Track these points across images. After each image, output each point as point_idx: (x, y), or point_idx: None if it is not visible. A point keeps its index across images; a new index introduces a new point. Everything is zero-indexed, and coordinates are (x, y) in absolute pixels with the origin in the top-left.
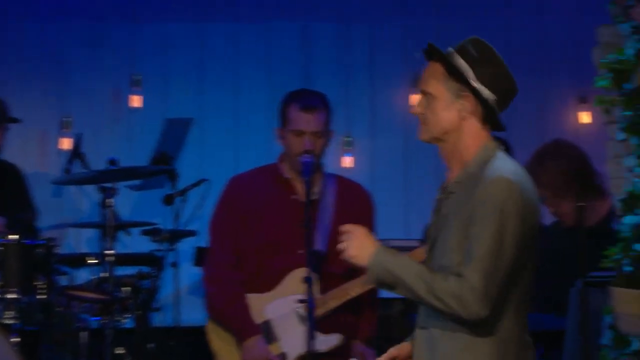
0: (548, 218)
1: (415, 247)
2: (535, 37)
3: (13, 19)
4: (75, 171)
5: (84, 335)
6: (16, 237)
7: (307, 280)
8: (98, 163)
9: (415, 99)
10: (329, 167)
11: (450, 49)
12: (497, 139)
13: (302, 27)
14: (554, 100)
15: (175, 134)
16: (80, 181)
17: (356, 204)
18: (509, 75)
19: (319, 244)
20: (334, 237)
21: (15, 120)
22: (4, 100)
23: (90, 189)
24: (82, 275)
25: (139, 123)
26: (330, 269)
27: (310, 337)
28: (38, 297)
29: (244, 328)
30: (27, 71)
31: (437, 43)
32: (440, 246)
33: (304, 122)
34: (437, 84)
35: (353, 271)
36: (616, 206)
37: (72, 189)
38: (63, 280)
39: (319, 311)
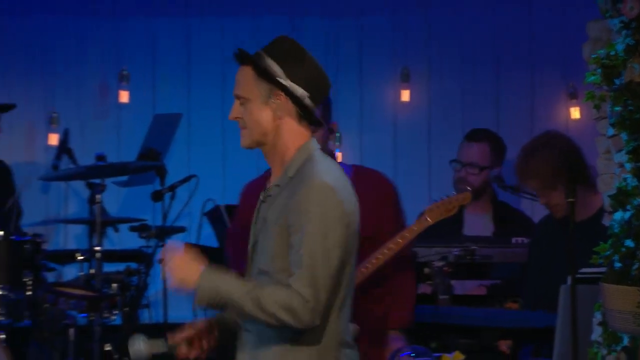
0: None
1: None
2: (525, 32)
3: (0, 13)
4: (63, 167)
5: (72, 332)
6: (2, 233)
7: None
8: (86, 159)
9: (404, 94)
10: None
11: (260, 51)
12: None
13: (290, 22)
14: (544, 96)
15: (163, 129)
16: (68, 177)
17: (373, 192)
18: (319, 70)
19: None
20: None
21: (8, 107)
22: None
23: (78, 185)
24: (70, 272)
25: (127, 119)
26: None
27: None
28: (26, 293)
29: None
30: (14, 66)
31: (427, 38)
32: (260, 251)
33: None
34: (249, 86)
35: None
36: (606, 202)
37: (60, 184)
38: (51, 277)
39: None
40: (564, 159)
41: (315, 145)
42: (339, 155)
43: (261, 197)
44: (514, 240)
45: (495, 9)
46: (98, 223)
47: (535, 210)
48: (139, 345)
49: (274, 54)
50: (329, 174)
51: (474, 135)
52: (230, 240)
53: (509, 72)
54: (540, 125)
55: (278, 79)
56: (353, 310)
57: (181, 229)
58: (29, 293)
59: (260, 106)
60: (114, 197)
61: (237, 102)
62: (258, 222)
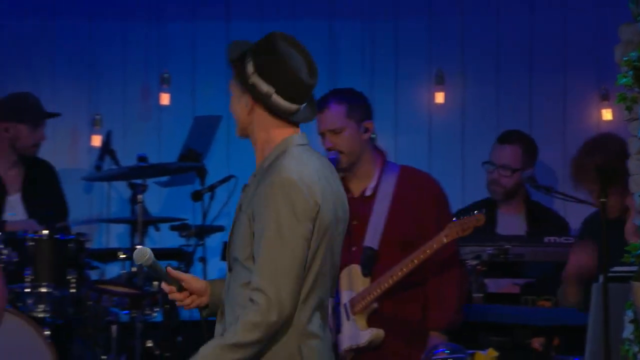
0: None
1: None
2: (559, 35)
3: (46, 18)
4: (106, 168)
5: (114, 329)
6: (48, 232)
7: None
8: (128, 160)
9: (439, 96)
10: None
11: (251, 48)
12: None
13: (327, 26)
14: (577, 98)
15: (203, 131)
16: (111, 178)
17: (417, 195)
18: (295, 67)
19: (369, 241)
20: (390, 229)
21: (53, 115)
22: (37, 98)
23: (121, 185)
24: (113, 270)
25: (168, 120)
26: (382, 262)
27: (337, 332)
28: (70, 291)
29: None
30: (59, 70)
31: (461, 40)
32: (235, 238)
33: (319, 122)
34: (233, 82)
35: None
36: (636, 202)
37: (103, 185)
38: (94, 275)
39: (359, 306)
40: (619, 163)
41: (296, 140)
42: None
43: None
44: (546, 239)
45: (529, 11)
46: (140, 222)
47: (567, 210)
48: (147, 254)
49: (254, 50)
50: (298, 168)
51: (507, 138)
52: None
53: (542, 73)
54: (573, 126)
55: (247, 75)
56: (386, 313)
57: (220, 228)
58: (72, 291)
59: (237, 100)
60: (155, 197)
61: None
62: (236, 211)
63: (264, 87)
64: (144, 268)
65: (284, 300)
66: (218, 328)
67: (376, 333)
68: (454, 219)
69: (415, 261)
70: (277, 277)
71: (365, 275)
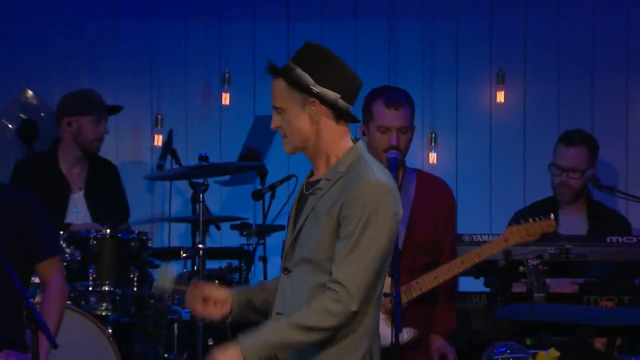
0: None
1: None
2: (622, 34)
3: (109, 17)
4: (167, 167)
5: (176, 327)
6: (110, 231)
7: (394, 274)
8: (189, 159)
9: (500, 96)
10: (413, 163)
11: (289, 62)
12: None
13: (387, 24)
14: (639, 96)
15: (264, 130)
16: (172, 177)
17: (435, 199)
18: (347, 70)
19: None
20: (411, 231)
21: (116, 108)
22: (99, 94)
23: (182, 185)
24: (174, 269)
25: (229, 120)
26: (404, 263)
27: (398, 330)
28: (132, 289)
29: None
30: (121, 68)
31: (523, 39)
32: (305, 239)
33: (390, 118)
34: (284, 97)
35: (425, 266)
36: None
37: (165, 184)
38: (156, 274)
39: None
40: None
41: (364, 146)
42: (434, 157)
43: (305, 190)
44: (608, 239)
45: (591, 10)
46: (201, 221)
47: (629, 209)
48: (169, 275)
49: (302, 62)
50: (383, 174)
51: (572, 139)
52: None
53: (604, 72)
54: (636, 125)
55: (311, 87)
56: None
57: (281, 227)
58: (135, 289)
59: (297, 114)
60: (216, 197)
61: (275, 113)
62: (303, 213)
63: (331, 94)
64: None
65: (360, 298)
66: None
67: (414, 333)
68: (521, 220)
69: (467, 264)
70: (360, 275)
71: (390, 275)
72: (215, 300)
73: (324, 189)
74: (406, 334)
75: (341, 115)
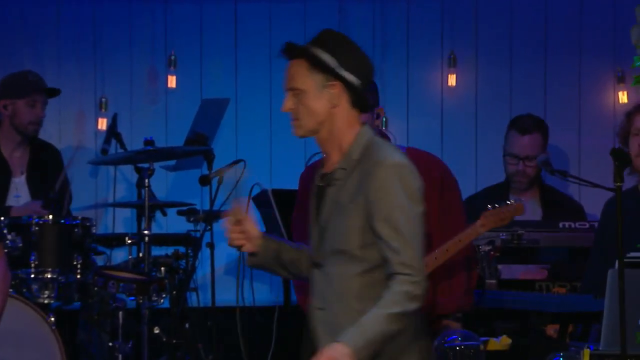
0: (587, 196)
1: None
2: (575, 16)
3: None
4: (112, 151)
5: (120, 315)
6: (52, 217)
7: None
8: (134, 143)
9: (451, 79)
10: None
11: (308, 44)
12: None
13: (337, 6)
14: (592, 80)
15: (211, 114)
16: (117, 161)
17: (427, 173)
18: (366, 57)
19: None
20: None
21: (54, 91)
22: (39, 75)
23: (127, 169)
24: (119, 256)
25: (175, 103)
26: None
27: None
28: (75, 276)
29: None
30: (64, 51)
31: (474, 22)
32: (334, 231)
33: None
34: (304, 78)
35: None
36: None
37: (109, 169)
38: (100, 260)
39: None
40: None
41: (371, 130)
42: None
43: (320, 182)
44: (561, 224)
45: None
46: (146, 207)
47: (582, 194)
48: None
49: (323, 45)
50: (397, 153)
51: (526, 127)
52: (297, 226)
53: (557, 56)
54: (588, 109)
55: (335, 69)
56: None
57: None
58: (78, 276)
59: (316, 96)
60: (162, 182)
61: (290, 95)
62: (325, 206)
63: (352, 78)
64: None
65: (425, 274)
66: (319, 315)
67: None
68: (488, 206)
69: (450, 250)
70: (417, 253)
71: None
72: (244, 231)
73: (342, 178)
74: None
75: (358, 101)
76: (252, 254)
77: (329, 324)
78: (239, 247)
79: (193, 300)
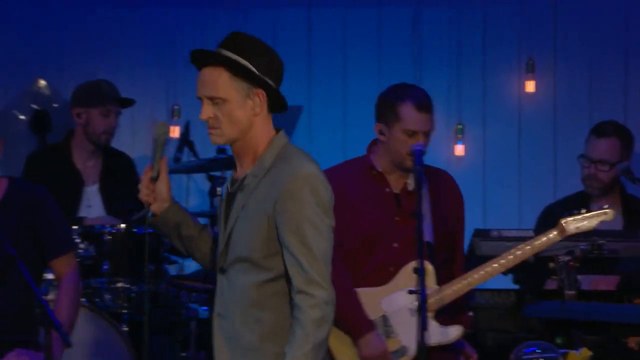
0: None
1: (529, 237)
2: None
3: (125, 5)
4: (185, 159)
5: (193, 324)
6: (124, 226)
7: (418, 271)
8: (207, 151)
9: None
10: (439, 155)
11: (221, 49)
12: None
13: (412, 12)
14: None
15: (283, 122)
16: (189, 170)
17: (446, 191)
18: (276, 55)
19: (428, 236)
20: (435, 227)
21: (127, 101)
22: (112, 84)
23: (200, 178)
24: (192, 265)
25: None
26: (438, 259)
27: (423, 329)
28: (148, 286)
29: (360, 324)
30: (137, 59)
31: (553, 26)
32: (239, 238)
33: (420, 122)
34: (226, 87)
35: (444, 261)
36: None
37: (181, 177)
38: (172, 270)
39: (435, 303)
40: None
41: (286, 136)
42: (462, 148)
43: (229, 188)
44: None
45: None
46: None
47: None
48: (167, 130)
49: (240, 51)
50: (311, 163)
51: (603, 130)
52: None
53: (638, 60)
54: None
55: (260, 77)
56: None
57: None
58: (151, 286)
59: (240, 105)
60: None
61: (208, 103)
62: (233, 211)
63: (272, 84)
64: (155, 138)
65: (328, 282)
66: (222, 325)
67: (462, 330)
68: (565, 213)
69: (515, 259)
70: (325, 268)
71: (415, 271)
72: (156, 190)
73: (252, 185)
74: (455, 332)
75: (276, 104)
76: (154, 215)
77: (227, 331)
78: (147, 205)
79: None
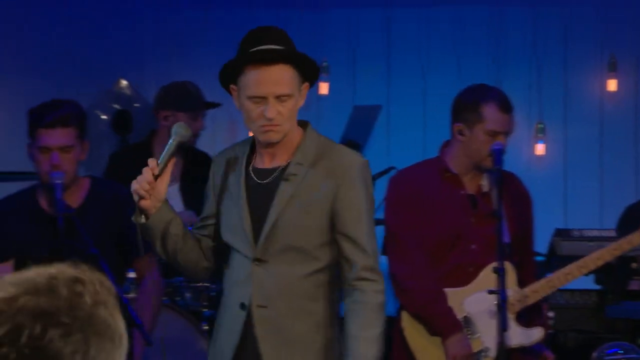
0: None
1: (611, 237)
2: None
3: (206, 9)
4: None
5: None
6: None
7: (499, 271)
8: None
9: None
10: (520, 155)
11: (273, 47)
12: None
13: (492, 11)
14: None
15: (363, 121)
16: None
17: (517, 192)
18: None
19: (506, 237)
20: (510, 227)
21: (213, 105)
22: (197, 87)
23: None
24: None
25: (327, 110)
26: (513, 260)
27: (503, 329)
28: None
29: (448, 324)
30: (217, 59)
31: (635, 24)
32: (288, 227)
33: (503, 123)
34: (292, 84)
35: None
36: None
37: None
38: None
39: (517, 305)
40: None
41: (309, 124)
42: (542, 148)
43: (255, 178)
44: None
45: None
46: None
47: None
48: (188, 132)
49: (287, 44)
50: (355, 151)
51: None
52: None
53: None
54: None
55: (314, 71)
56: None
57: (380, 222)
58: None
59: (297, 99)
60: None
61: (277, 101)
62: (276, 200)
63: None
64: (171, 138)
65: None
66: (264, 315)
67: (544, 332)
68: None
69: (600, 262)
70: (377, 254)
71: (495, 271)
72: (154, 189)
73: (300, 174)
74: (537, 333)
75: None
76: (144, 212)
77: (271, 322)
78: (139, 197)
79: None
